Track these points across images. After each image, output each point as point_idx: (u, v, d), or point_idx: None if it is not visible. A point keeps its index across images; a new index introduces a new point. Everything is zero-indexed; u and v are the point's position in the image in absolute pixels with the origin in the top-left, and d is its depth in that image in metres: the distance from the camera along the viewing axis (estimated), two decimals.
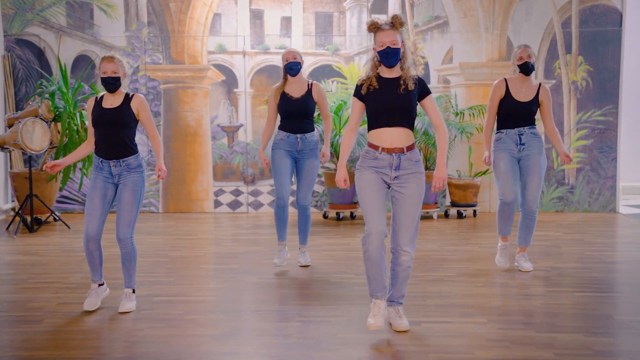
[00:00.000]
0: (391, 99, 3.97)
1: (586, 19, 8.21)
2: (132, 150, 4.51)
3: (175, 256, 6.20)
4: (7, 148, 7.15)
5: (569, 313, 4.49)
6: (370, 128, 4.06)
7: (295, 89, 5.54)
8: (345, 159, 4.11)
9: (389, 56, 3.95)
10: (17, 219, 7.47)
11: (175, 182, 8.50)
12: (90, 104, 4.53)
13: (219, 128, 8.56)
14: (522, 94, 5.31)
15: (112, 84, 4.46)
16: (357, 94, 4.07)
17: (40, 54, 8.29)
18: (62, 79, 7.45)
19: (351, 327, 4.22)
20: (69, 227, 7.47)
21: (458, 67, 8.34)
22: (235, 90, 8.54)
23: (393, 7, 8.36)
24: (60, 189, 7.69)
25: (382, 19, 4.02)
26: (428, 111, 4.08)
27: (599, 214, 8.24)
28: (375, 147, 4.01)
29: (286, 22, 8.49)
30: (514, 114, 5.30)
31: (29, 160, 7.23)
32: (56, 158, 7.37)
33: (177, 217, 8.36)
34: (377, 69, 4.05)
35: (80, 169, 7.61)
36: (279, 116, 5.64)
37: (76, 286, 5.19)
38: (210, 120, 8.53)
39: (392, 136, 4.00)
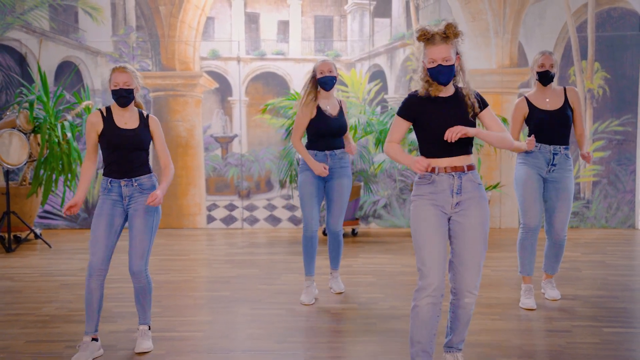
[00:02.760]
0: (448, 125, 3.35)
1: (603, 23, 7.72)
2: (146, 169, 4.03)
3: (162, 281, 5.69)
4: None
5: (601, 355, 3.98)
6: (423, 153, 3.46)
7: (330, 106, 5.04)
8: (406, 154, 3.46)
9: (441, 75, 3.33)
10: None
11: (165, 196, 7.99)
12: (95, 120, 3.98)
13: (212, 139, 8.07)
14: (548, 104, 4.81)
15: (125, 97, 3.95)
16: (405, 113, 3.45)
17: (21, 60, 7.79)
18: (42, 87, 6.93)
19: None
20: (50, 246, 6.96)
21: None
22: (229, 98, 8.05)
23: (397, 10, 7.87)
24: (42, 205, 7.16)
25: (433, 27, 3.37)
26: (487, 125, 3.46)
27: (617, 231, 7.74)
28: (432, 170, 3.42)
29: (283, 26, 8.00)
30: (548, 125, 4.76)
31: (6, 174, 6.71)
32: (36, 172, 6.86)
33: (168, 233, 7.85)
34: (429, 88, 3.40)
35: (64, 183, 7.11)
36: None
37: (49, 319, 4.68)
38: (203, 130, 8.04)
39: (452, 161, 3.41)
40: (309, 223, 5.04)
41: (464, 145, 3.40)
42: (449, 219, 3.44)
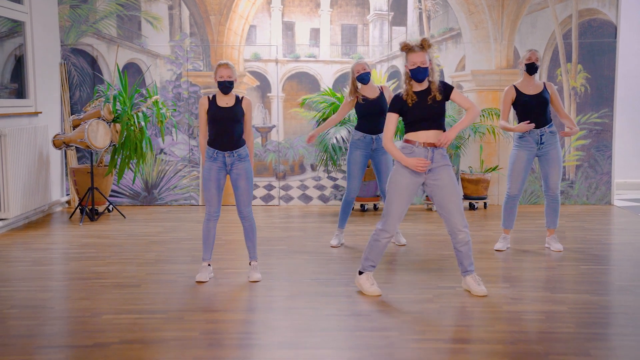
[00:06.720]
0: (424, 109, 4.74)
1: (585, 32, 9.13)
2: (242, 142, 5.30)
3: (229, 239, 7.06)
4: (72, 145, 8.02)
5: (577, 280, 5.40)
6: (407, 131, 4.84)
7: (370, 93, 6.38)
8: (403, 156, 4.77)
9: (419, 74, 4.72)
10: (79, 209, 8.33)
11: None
12: (204, 102, 5.26)
13: (254, 129, 9.42)
14: (531, 89, 6.16)
15: (228, 87, 5.21)
16: (395, 108, 4.73)
17: (93, 62, 9.15)
18: (120, 85, 8.31)
19: (398, 289, 5.11)
20: (124, 217, 8.31)
21: (470, 74, 9.21)
22: (268, 94, 9.38)
23: (411, 20, 9.26)
24: (116, 183, 8.53)
25: (412, 40, 4.78)
26: (457, 103, 4.83)
27: (596, 206, 9.15)
28: (412, 142, 4.78)
29: (315, 33, 9.35)
30: (530, 106, 6.08)
31: (90, 156, 8.10)
32: (113, 155, 8.22)
33: None
34: (410, 83, 4.79)
35: (132, 170, 8.46)
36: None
37: (153, 262, 6.05)
38: None
39: (427, 135, 4.79)
40: (352, 190, 6.41)
41: (436, 122, 4.75)
42: (424, 183, 4.82)
